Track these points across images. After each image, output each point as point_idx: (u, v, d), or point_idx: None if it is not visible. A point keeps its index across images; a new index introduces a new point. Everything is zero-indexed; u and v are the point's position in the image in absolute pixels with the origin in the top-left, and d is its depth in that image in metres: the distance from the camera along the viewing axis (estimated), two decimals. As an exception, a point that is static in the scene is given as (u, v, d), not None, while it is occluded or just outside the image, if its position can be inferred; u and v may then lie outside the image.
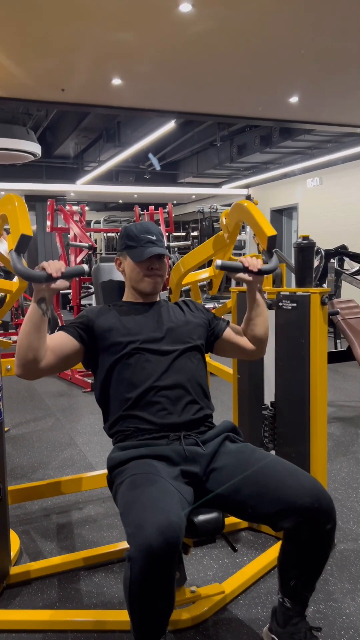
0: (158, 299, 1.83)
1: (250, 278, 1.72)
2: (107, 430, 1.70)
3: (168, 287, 2.69)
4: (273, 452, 2.19)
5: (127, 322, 1.70)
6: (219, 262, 1.74)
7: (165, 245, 1.95)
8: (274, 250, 1.79)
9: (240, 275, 1.73)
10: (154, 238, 1.74)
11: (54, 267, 1.49)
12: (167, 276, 1.87)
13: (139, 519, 1.27)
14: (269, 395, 2.23)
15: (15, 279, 2.48)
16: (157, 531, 1.22)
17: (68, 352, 1.63)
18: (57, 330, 1.68)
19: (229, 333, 1.82)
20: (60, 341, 1.62)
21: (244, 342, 1.81)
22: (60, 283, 1.51)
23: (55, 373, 1.66)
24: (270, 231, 1.77)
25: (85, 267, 1.58)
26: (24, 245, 1.56)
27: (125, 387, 1.64)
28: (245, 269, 1.71)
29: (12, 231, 1.62)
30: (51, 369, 1.59)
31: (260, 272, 1.71)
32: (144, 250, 1.71)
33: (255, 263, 1.71)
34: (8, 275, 5.85)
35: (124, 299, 1.83)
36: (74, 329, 1.67)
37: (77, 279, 5.80)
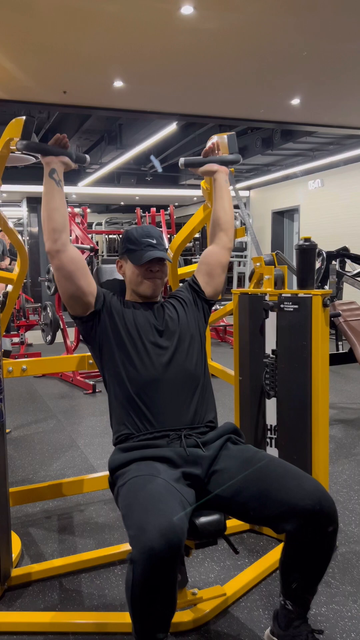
0: (158, 300, 1.85)
1: (215, 167, 1.94)
2: (112, 427, 1.72)
3: (169, 286, 2.72)
4: (275, 451, 2.19)
5: (132, 317, 1.73)
6: (182, 159, 1.93)
7: (167, 247, 1.98)
8: (236, 151, 2.01)
9: (206, 167, 1.95)
10: (154, 242, 1.77)
11: (63, 139, 1.74)
12: (167, 279, 1.89)
13: (141, 521, 1.27)
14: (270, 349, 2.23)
15: (16, 269, 2.49)
16: (159, 533, 1.22)
17: (83, 279, 1.68)
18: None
19: (200, 269, 1.92)
20: (86, 271, 1.69)
21: (213, 252, 1.92)
22: (68, 160, 1.74)
23: (68, 272, 1.66)
24: (229, 133, 2.03)
25: (88, 157, 1.81)
26: (28, 129, 1.78)
27: (127, 382, 1.65)
28: (209, 160, 1.93)
29: (14, 126, 1.82)
30: (70, 259, 1.65)
31: (222, 160, 1.94)
32: (144, 254, 1.73)
33: (217, 152, 1.95)
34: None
35: (126, 299, 1.84)
36: (99, 287, 1.76)
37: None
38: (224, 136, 2.06)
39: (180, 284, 2.11)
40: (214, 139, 2.09)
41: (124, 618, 1.73)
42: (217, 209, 1.95)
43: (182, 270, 2.67)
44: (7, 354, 6.90)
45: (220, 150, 2.02)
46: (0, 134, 1.92)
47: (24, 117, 1.81)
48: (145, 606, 1.29)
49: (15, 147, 1.79)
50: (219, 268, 1.92)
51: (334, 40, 4.03)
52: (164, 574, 1.25)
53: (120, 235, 2.07)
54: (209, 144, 2.10)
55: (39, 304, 7.28)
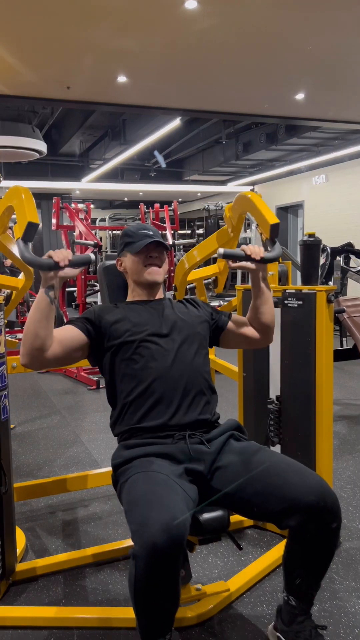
0: (162, 296, 1.84)
1: (253, 266, 1.73)
2: (113, 427, 1.71)
3: (174, 285, 2.69)
4: (278, 447, 2.19)
5: (132, 318, 1.71)
6: (221, 250, 1.74)
7: (170, 242, 1.99)
8: (276, 238, 1.80)
9: (243, 263, 1.74)
10: (151, 233, 1.80)
11: (61, 255, 1.51)
12: (172, 273, 1.89)
13: (144, 517, 1.27)
14: (274, 393, 2.23)
15: (21, 275, 2.49)
16: (162, 529, 1.22)
17: (74, 345, 1.63)
18: (64, 325, 1.69)
19: (232, 325, 1.84)
20: (67, 333, 1.63)
21: (249, 331, 1.82)
22: (68, 271, 1.53)
23: (59, 366, 1.65)
24: (273, 219, 1.78)
25: (92, 255, 1.58)
26: (30, 233, 1.56)
27: (131, 381, 1.64)
28: (248, 257, 1.71)
29: (18, 220, 1.63)
30: (57, 360, 1.58)
31: (263, 260, 1.72)
32: (142, 241, 1.76)
33: (258, 251, 1.71)
34: (14, 274, 5.86)
35: (128, 299, 1.85)
36: (81, 322, 1.68)
37: (83, 277, 5.82)
38: (268, 223, 1.87)
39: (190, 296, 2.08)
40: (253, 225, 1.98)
41: (128, 613, 1.74)
42: (260, 312, 1.78)
43: (192, 276, 2.61)
44: (11, 324, 6.89)
45: (260, 230, 1.87)
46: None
47: (28, 222, 1.58)
48: (148, 601, 1.29)
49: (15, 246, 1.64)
50: (244, 344, 1.90)
51: (339, 35, 4.01)
52: (167, 569, 1.25)
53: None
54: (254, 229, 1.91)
55: None
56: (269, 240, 1.79)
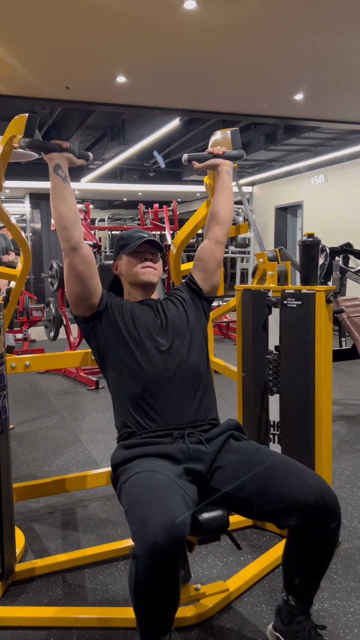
0: (157, 297, 1.86)
1: (217, 160, 1.94)
2: (116, 424, 1.72)
3: (172, 282, 2.71)
4: (278, 447, 2.19)
5: (132, 315, 1.74)
6: (185, 155, 1.95)
7: (169, 243, 2.02)
8: (239, 147, 2.02)
9: (209, 161, 1.95)
10: (146, 235, 1.83)
11: (65, 144, 1.72)
12: (165, 275, 1.92)
13: (144, 517, 1.27)
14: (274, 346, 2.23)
15: (19, 265, 2.50)
16: (162, 528, 1.22)
17: (94, 280, 1.70)
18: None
19: (196, 265, 1.92)
20: (94, 268, 1.71)
21: (206, 247, 1.91)
22: (71, 156, 1.72)
23: (82, 272, 1.69)
24: (232, 129, 2.04)
25: (90, 154, 1.79)
26: (31, 127, 1.78)
27: (129, 379, 1.65)
28: (212, 155, 1.94)
29: (16, 123, 1.81)
30: (83, 259, 1.66)
31: (225, 155, 1.95)
32: (136, 242, 1.80)
33: (220, 148, 1.96)
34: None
35: (125, 299, 1.86)
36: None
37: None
38: (227, 132, 2.06)
39: (183, 280, 2.11)
40: (217, 134, 2.09)
41: (128, 613, 1.74)
42: (216, 201, 1.94)
43: (185, 267, 2.66)
44: (10, 349, 6.89)
45: (223, 146, 2.02)
46: (3, 130, 1.92)
47: (26, 114, 1.81)
48: (148, 601, 1.29)
49: (18, 145, 1.79)
50: (213, 264, 1.91)
51: (338, 35, 4.01)
52: (167, 569, 1.25)
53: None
54: (212, 139, 2.10)
55: (42, 304, 7.28)
56: (232, 150, 2.01)
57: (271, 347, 2.20)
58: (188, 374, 1.67)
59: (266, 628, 1.68)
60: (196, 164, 1.96)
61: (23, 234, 2.47)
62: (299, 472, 1.45)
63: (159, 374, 1.64)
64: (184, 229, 2.59)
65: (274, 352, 2.18)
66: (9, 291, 2.71)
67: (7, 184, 10.74)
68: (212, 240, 1.91)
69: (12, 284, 2.60)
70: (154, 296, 1.86)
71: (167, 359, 1.66)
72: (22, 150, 1.82)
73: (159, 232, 7.54)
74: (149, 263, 1.80)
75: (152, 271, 1.80)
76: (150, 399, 1.63)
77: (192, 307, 1.84)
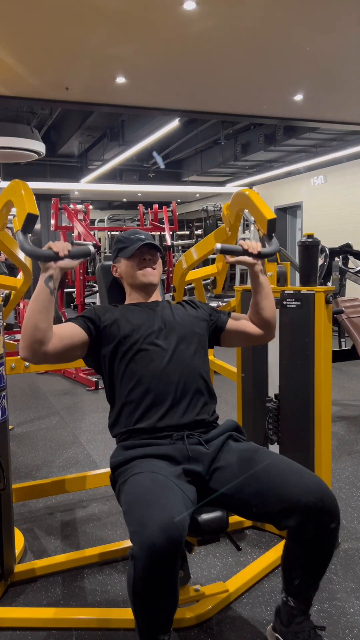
0: (160, 299, 1.85)
1: (251, 260, 1.74)
2: (111, 428, 1.71)
3: (172, 286, 2.70)
4: (277, 447, 2.19)
5: (131, 319, 1.72)
6: (218, 245, 1.76)
7: (169, 243, 2.00)
8: (273, 234, 1.81)
9: (241, 258, 1.75)
10: (143, 237, 1.81)
11: (61, 246, 1.53)
12: (170, 274, 1.90)
13: (142, 518, 1.27)
14: (273, 392, 2.23)
15: (20, 275, 2.49)
16: (160, 529, 1.22)
17: (75, 342, 1.63)
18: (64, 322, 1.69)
19: (232, 323, 1.84)
20: (67, 329, 1.63)
21: (250, 328, 1.82)
22: (68, 262, 1.54)
23: (58, 362, 1.62)
24: (270, 214, 1.80)
25: (91, 247, 1.58)
26: (30, 225, 1.58)
27: (129, 382, 1.65)
28: (245, 252, 1.73)
29: (17, 213, 1.64)
30: (56, 356, 1.57)
31: (260, 255, 1.74)
32: (134, 245, 1.78)
33: (255, 245, 1.74)
34: (12, 272, 5.86)
35: (126, 303, 1.85)
36: (82, 320, 1.68)
37: (81, 277, 5.82)
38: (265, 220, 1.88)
39: (191, 297, 2.08)
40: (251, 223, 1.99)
41: (127, 614, 1.74)
42: (260, 306, 1.78)
43: (191, 277, 2.62)
44: (9, 327, 6.90)
45: (258, 226, 1.88)
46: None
47: (28, 213, 1.59)
48: (147, 602, 1.29)
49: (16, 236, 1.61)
50: (245, 341, 1.88)
51: (338, 36, 4.01)
52: (166, 570, 1.25)
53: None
54: (248, 240, 1.85)
55: None
56: (266, 236, 1.81)
57: (270, 347, 2.20)
58: (188, 375, 1.67)
59: (266, 629, 1.68)
60: (228, 258, 1.83)
61: (23, 258, 2.43)
62: (298, 473, 1.45)
63: (158, 375, 1.63)
64: (188, 259, 2.49)
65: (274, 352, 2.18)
66: (7, 297, 2.71)
67: (7, 184, 10.74)
68: (260, 331, 1.82)
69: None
70: (157, 297, 1.86)
71: (167, 360, 1.65)
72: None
73: (158, 233, 7.53)
74: (148, 268, 1.79)
75: (151, 272, 1.80)
76: (149, 399, 1.62)
77: (202, 322, 1.82)
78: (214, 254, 1.91)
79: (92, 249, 1.57)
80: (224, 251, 1.76)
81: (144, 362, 1.65)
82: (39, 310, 1.51)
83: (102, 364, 1.72)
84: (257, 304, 1.79)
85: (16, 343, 2.51)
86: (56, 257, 1.51)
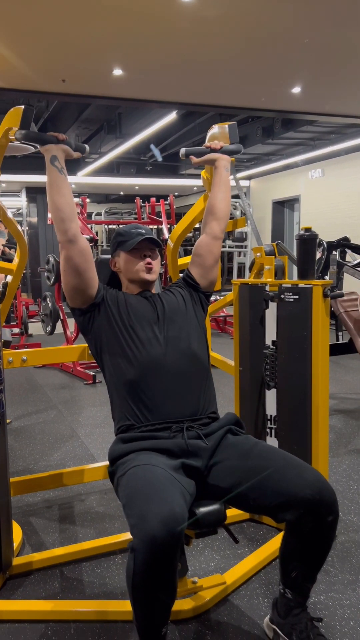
0: (154, 291, 1.86)
1: (215, 155, 1.94)
2: (113, 417, 1.72)
3: (169, 277, 2.71)
4: (275, 442, 2.20)
5: (127, 306, 1.74)
6: (183, 150, 1.94)
7: (166, 237, 2.01)
8: (237, 142, 2.03)
9: (206, 156, 1.94)
10: (144, 231, 1.82)
11: (61, 135, 1.73)
12: (162, 269, 1.92)
13: (142, 510, 1.27)
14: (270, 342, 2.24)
15: (15, 259, 2.49)
16: (161, 522, 1.23)
17: (90, 273, 1.70)
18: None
19: (193, 263, 1.91)
20: (91, 260, 1.71)
21: (206, 241, 1.90)
22: (67, 148, 1.72)
23: (79, 263, 1.69)
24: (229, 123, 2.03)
25: (87, 146, 1.82)
26: (27, 119, 1.77)
27: (126, 369, 1.65)
28: (210, 149, 1.94)
29: (13, 112, 1.80)
30: (80, 251, 1.66)
31: (223, 150, 1.95)
32: (134, 239, 1.79)
33: (218, 143, 1.95)
34: (7, 261, 5.83)
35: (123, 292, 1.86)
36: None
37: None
38: (225, 126, 2.05)
39: (180, 275, 2.11)
40: (215, 128, 2.08)
41: (125, 606, 1.75)
42: (213, 196, 1.93)
43: (183, 261, 2.66)
44: (7, 344, 6.91)
45: (221, 140, 2.01)
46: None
47: (22, 106, 1.79)
48: (146, 594, 1.30)
49: (14, 137, 1.78)
50: (211, 259, 1.90)
51: (336, 28, 3.99)
52: (165, 562, 1.26)
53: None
54: (209, 133, 2.09)
55: (39, 311, 7.26)
56: (230, 145, 2.01)
57: (268, 341, 2.21)
58: (188, 364, 1.67)
59: (263, 621, 1.69)
60: (194, 159, 1.95)
61: (19, 227, 2.46)
62: (296, 467, 1.46)
63: (157, 363, 1.64)
64: (181, 223, 2.58)
65: (271, 346, 2.19)
66: (5, 285, 2.70)
67: (3, 177, 10.70)
68: (210, 235, 1.90)
69: (9, 278, 2.59)
70: (152, 290, 1.86)
71: (165, 348, 1.66)
72: (18, 143, 1.80)
73: (156, 226, 7.52)
74: (148, 259, 1.80)
75: (151, 267, 1.80)
76: (147, 390, 1.62)
77: (190, 300, 1.84)
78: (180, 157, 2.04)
79: (87, 147, 1.82)
80: (189, 153, 1.94)
81: (140, 349, 1.66)
82: (55, 191, 1.66)
83: (98, 347, 1.74)
84: (214, 196, 1.92)
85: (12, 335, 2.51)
86: (56, 140, 1.71)
